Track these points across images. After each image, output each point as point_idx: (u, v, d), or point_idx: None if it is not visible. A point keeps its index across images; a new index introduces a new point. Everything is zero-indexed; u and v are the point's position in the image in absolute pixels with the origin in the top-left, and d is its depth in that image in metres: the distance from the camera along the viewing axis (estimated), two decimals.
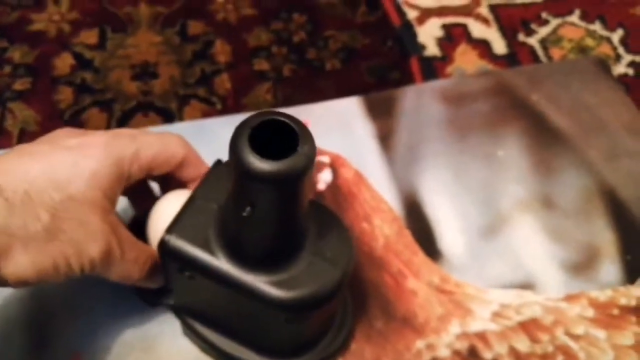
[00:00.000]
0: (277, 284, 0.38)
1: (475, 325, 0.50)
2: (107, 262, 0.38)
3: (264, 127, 0.33)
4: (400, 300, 0.50)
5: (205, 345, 0.46)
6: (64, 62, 0.64)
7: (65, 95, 0.62)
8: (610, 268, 0.53)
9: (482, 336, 0.49)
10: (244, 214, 0.35)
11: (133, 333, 0.47)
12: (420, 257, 0.53)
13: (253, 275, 0.38)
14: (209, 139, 0.58)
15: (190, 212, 0.40)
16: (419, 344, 0.48)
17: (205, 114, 0.61)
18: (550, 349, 0.49)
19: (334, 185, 0.56)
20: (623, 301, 0.51)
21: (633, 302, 0.51)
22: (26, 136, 0.59)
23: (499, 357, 0.48)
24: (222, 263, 0.39)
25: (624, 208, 0.57)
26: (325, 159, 0.57)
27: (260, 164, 0.32)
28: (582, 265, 0.54)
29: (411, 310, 0.50)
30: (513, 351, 0.49)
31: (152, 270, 0.42)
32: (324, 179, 0.56)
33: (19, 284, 0.35)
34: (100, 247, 0.37)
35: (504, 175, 0.58)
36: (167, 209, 0.43)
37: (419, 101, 0.63)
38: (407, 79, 0.66)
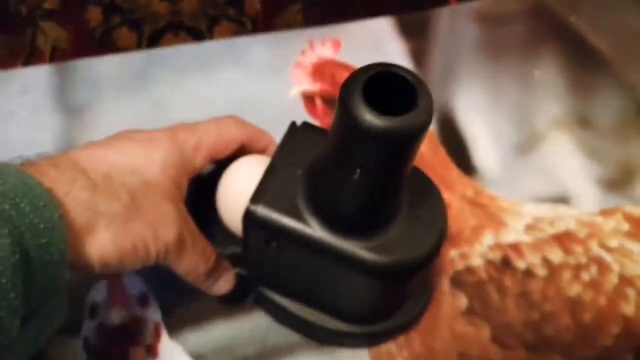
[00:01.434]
0: (375, 249, 0.36)
1: (509, 236, 0.49)
2: (179, 249, 0.38)
3: (375, 80, 0.30)
4: None
5: (281, 312, 0.44)
6: None
7: (94, 14, 0.62)
8: None
9: (515, 247, 0.49)
10: (355, 177, 0.32)
11: None
12: (454, 172, 0.52)
13: (349, 241, 0.36)
14: (240, 58, 0.59)
15: (273, 179, 0.38)
16: (453, 253, 0.48)
17: (236, 34, 0.61)
18: (583, 260, 0.49)
19: None
20: None
21: None
22: (58, 54, 0.60)
23: (532, 267, 0.48)
24: (315, 231, 0.36)
25: None
26: None
27: (378, 122, 0.29)
28: (618, 182, 0.53)
29: None
30: (546, 262, 0.48)
31: (216, 269, 0.42)
32: None
33: (101, 264, 0.35)
34: (174, 232, 0.37)
35: (540, 94, 0.57)
36: (239, 177, 0.41)
37: (454, 22, 0.62)
38: (441, 2, 0.65)
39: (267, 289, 0.44)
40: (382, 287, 0.39)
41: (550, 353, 0.46)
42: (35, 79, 0.55)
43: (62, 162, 0.36)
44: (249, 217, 0.37)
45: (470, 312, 0.47)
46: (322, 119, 0.55)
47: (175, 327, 0.44)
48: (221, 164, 0.43)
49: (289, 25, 0.62)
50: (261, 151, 0.44)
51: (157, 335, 0.44)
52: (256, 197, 0.37)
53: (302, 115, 0.55)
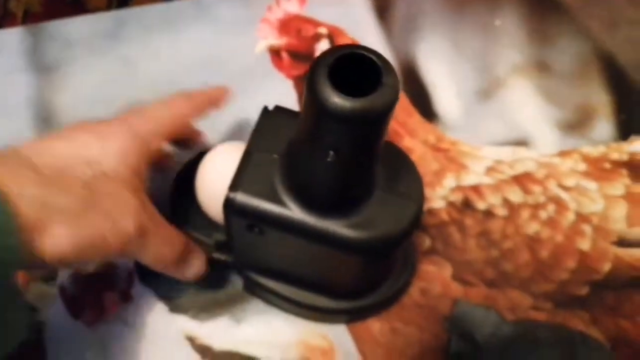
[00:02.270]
0: (355, 227, 0.36)
1: (470, 179, 0.51)
2: (142, 239, 0.37)
3: (342, 62, 0.31)
4: None
5: (272, 297, 0.45)
6: None
7: None
8: (604, 126, 0.54)
9: (476, 189, 0.51)
10: (329, 159, 0.33)
11: None
12: (415, 118, 0.54)
13: (329, 221, 0.37)
14: (208, 16, 0.60)
15: (250, 165, 0.38)
16: None
17: None
18: (542, 199, 0.50)
19: None
20: (615, 156, 0.53)
21: (625, 157, 0.53)
22: (30, 17, 0.60)
23: (492, 208, 0.50)
24: (295, 213, 0.37)
25: (621, 72, 0.57)
26: (323, 30, 0.58)
27: (345, 103, 0.29)
28: (576, 124, 0.55)
29: None
30: (506, 202, 0.50)
31: (185, 254, 0.41)
32: (321, 49, 0.57)
33: (56, 261, 0.34)
34: (134, 221, 0.37)
35: (501, 42, 0.58)
36: (216, 166, 0.42)
37: None
38: None
39: (255, 274, 0.44)
40: (365, 263, 0.40)
41: (509, 288, 0.48)
42: (7, 42, 0.57)
43: (11, 159, 0.35)
44: (228, 204, 0.37)
45: (432, 251, 0.49)
46: (288, 72, 0.56)
47: (147, 274, 0.46)
48: (200, 153, 0.44)
49: None
50: (217, 107, 0.45)
51: (130, 281, 0.46)
52: (234, 185, 0.37)
53: (269, 69, 0.56)
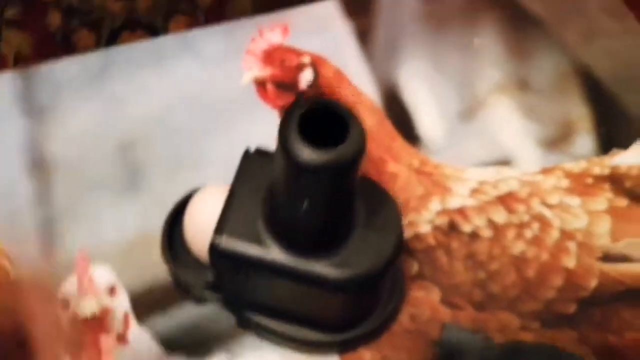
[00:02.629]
0: (337, 266, 0.38)
1: (455, 201, 0.52)
2: None
3: (311, 114, 0.33)
4: (382, 183, 0.53)
5: (265, 332, 0.46)
6: None
7: (54, 18, 0.64)
8: (585, 140, 0.55)
9: (461, 211, 0.52)
10: (304, 207, 0.34)
11: (135, 229, 0.51)
12: (399, 142, 0.55)
13: (311, 262, 0.38)
14: (194, 50, 0.61)
15: (233, 208, 0.39)
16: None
17: (190, 26, 0.63)
18: (526, 218, 0.51)
19: (315, 85, 0.58)
20: (597, 170, 0.54)
21: (606, 171, 0.54)
22: (22, 60, 0.62)
23: (477, 229, 0.51)
24: (277, 255, 0.38)
25: (599, 84, 0.58)
26: (306, 59, 0.59)
27: (317, 156, 0.31)
28: (557, 140, 0.56)
29: (393, 192, 0.52)
30: (491, 223, 0.51)
31: None
32: (305, 78, 0.58)
33: None
34: None
35: (480, 61, 0.60)
36: (201, 209, 0.43)
37: None
38: None
39: (246, 310, 0.45)
40: (350, 298, 0.41)
41: (497, 310, 0.49)
42: None
43: None
44: (214, 249, 0.39)
45: (420, 276, 0.50)
46: (273, 102, 0.57)
47: (142, 314, 0.47)
48: (189, 194, 0.46)
49: (240, 13, 0.64)
50: None
51: (126, 323, 0.47)
52: (219, 229, 0.39)
53: (254, 101, 0.57)
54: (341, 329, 0.45)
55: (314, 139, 0.32)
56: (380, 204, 0.41)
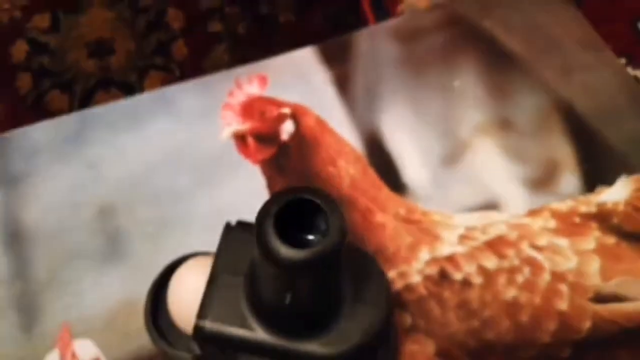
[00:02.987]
0: (326, 344, 0.37)
1: (444, 249, 0.52)
2: None
3: (288, 204, 0.32)
4: (370, 234, 0.52)
5: None
6: (19, 49, 0.65)
7: (24, 81, 0.63)
8: (570, 179, 0.55)
9: (451, 259, 0.51)
10: (286, 301, 0.34)
11: (118, 298, 0.49)
12: (385, 192, 0.54)
13: (299, 342, 0.37)
14: (170, 107, 0.60)
15: (216, 290, 0.38)
16: (392, 273, 0.50)
17: (165, 82, 0.62)
18: (516, 262, 0.51)
19: (297, 135, 0.58)
20: (583, 209, 0.53)
21: (593, 209, 0.53)
22: None
23: (468, 277, 0.50)
24: (264, 337, 0.37)
25: (580, 120, 0.58)
26: (286, 110, 0.58)
27: (294, 255, 0.31)
28: (542, 180, 0.55)
29: (381, 242, 0.52)
30: (481, 269, 0.51)
31: None
32: (286, 129, 0.58)
33: None
34: None
35: (461, 103, 0.59)
36: (185, 285, 0.42)
37: (373, 43, 0.63)
38: (361, 22, 0.67)
39: None
40: None
41: (493, 358, 0.48)
42: None
43: None
44: (198, 332, 0.38)
45: (414, 329, 0.49)
46: (254, 157, 0.57)
47: None
48: (170, 266, 0.44)
49: (216, 65, 0.64)
50: None
51: None
52: (202, 313, 0.37)
53: (235, 156, 0.57)
54: None
55: (294, 228, 0.31)
56: (367, 273, 0.40)
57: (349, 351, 0.37)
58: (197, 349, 0.42)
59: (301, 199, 0.32)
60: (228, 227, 0.41)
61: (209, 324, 0.37)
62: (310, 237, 0.33)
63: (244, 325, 0.37)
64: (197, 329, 0.37)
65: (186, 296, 0.40)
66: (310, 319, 0.37)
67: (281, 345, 0.37)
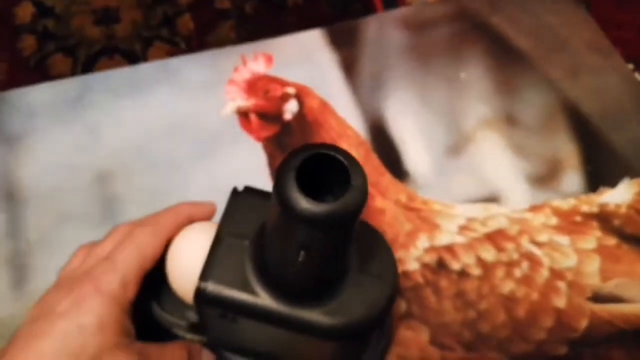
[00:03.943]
0: (330, 313, 0.36)
1: (443, 238, 0.51)
2: None
3: (308, 161, 0.30)
4: (369, 219, 0.51)
5: None
6: (24, 11, 0.64)
7: (28, 42, 0.62)
8: (572, 178, 0.55)
9: (449, 249, 0.51)
10: (300, 259, 0.32)
11: None
12: (387, 178, 0.54)
13: (303, 309, 0.36)
14: (174, 79, 0.59)
15: (220, 252, 0.37)
16: None
17: (170, 54, 0.61)
18: (515, 256, 0.50)
19: (300, 115, 0.57)
20: (585, 208, 0.53)
21: (595, 209, 0.53)
22: None
23: (466, 267, 0.50)
24: (267, 302, 0.36)
25: (586, 121, 0.58)
26: (290, 90, 0.58)
27: (316, 208, 0.29)
28: (545, 177, 0.55)
29: (380, 228, 0.51)
30: (480, 261, 0.50)
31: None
32: (290, 109, 0.57)
33: None
34: None
35: (467, 96, 0.59)
36: (185, 250, 0.40)
37: (381, 30, 0.63)
38: (368, 10, 0.66)
39: (230, 353, 0.43)
40: (341, 345, 0.39)
41: (487, 350, 0.47)
42: None
43: None
44: (200, 295, 0.36)
45: (409, 316, 0.48)
46: (257, 134, 0.56)
47: None
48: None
49: (222, 42, 0.63)
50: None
51: None
52: (205, 275, 0.36)
53: (237, 132, 0.56)
54: None
55: (313, 188, 0.30)
56: (375, 248, 0.38)
57: (351, 323, 0.36)
58: (192, 317, 0.41)
59: (322, 156, 0.30)
60: (235, 192, 0.40)
61: (211, 286, 0.36)
62: (329, 198, 0.31)
63: (247, 289, 0.36)
64: (199, 290, 0.36)
65: (186, 262, 0.39)
66: (317, 286, 0.36)
67: (283, 312, 0.36)
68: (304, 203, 0.29)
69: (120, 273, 0.38)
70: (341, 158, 0.30)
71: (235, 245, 0.37)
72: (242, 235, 0.37)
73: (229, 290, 0.36)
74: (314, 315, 0.36)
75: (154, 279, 0.43)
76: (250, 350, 0.42)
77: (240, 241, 0.37)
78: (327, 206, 0.29)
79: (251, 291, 0.36)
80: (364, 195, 0.30)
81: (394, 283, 0.38)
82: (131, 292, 0.39)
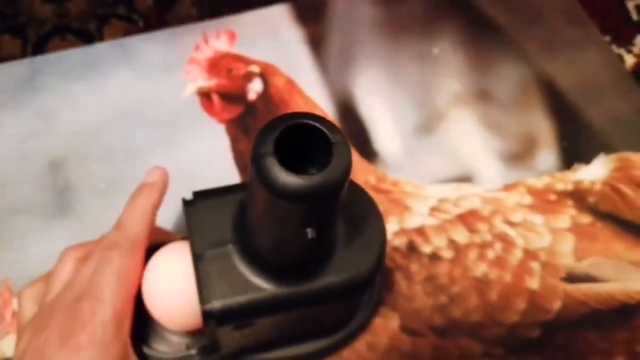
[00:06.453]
0: (332, 274, 0.35)
1: (413, 221, 0.49)
2: None
3: (282, 139, 0.29)
4: None
5: None
6: None
7: None
8: (547, 155, 0.53)
9: (420, 231, 0.49)
10: (310, 236, 0.31)
11: None
12: (355, 158, 0.51)
13: (309, 282, 0.35)
14: (131, 58, 0.56)
15: (207, 268, 0.35)
16: None
17: (127, 33, 0.59)
18: (488, 237, 0.49)
19: (265, 95, 0.55)
20: (560, 186, 0.51)
21: (569, 187, 0.51)
22: None
23: (438, 250, 0.48)
24: (277, 291, 0.35)
25: (562, 96, 0.56)
26: (255, 68, 0.55)
27: (312, 181, 0.28)
28: (520, 155, 0.53)
29: None
30: (452, 243, 0.48)
31: None
32: (254, 88, 0.55)
33: None
34: None
35: (440, 72, 0.57)
36: (165, 277, 0.37)
37: (350, 4, 0.60)
38: None
39: (246, 356, 0.42)
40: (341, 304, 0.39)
41: (459, 336, 0.46)
42: None
43: None
44: (210, 317, 0.35)
45: (378, 302, 0.46)
46: (219, 116, 0.53)
47: None
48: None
49: (182, 20, 0.60)
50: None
51: None
52: (205, 297, 0.34)
53: (198, 114, 0.53)
54: (325, 335, 0.42)
55: (294, 163, 0.28)
56: (363, 208, 0.38)
57: (352, 278, 0.35)
58: (192, 343, 0.39)
59: (300, 126, 0.28)
60: (187, 203, 0.37)
61: (217, 304, 0.34)
62: (312, 170, 0.30)
63: (251, 289, 0.34)
64: (207, 313, 0.34)
65: (165, 291, 0.36)
66: (320, 254, 0.35)
67: (295, 292, 0.35)
68: (300, 182, 0.27)
69: (112, 311, 0.34)
70: (318, 125, 0.28)
71: (218, 254, 0.35)
72: (220, 242, 0.35)
73: (236, 299, 0.34)
74: (324, 281, 0.35)
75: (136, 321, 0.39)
76: (265, 344, 0.41)
77: (221, 248, 0.35)
78: (323, 175, 0.27)
79: (256, 289, 0.34)
80: (348, 150, 0.29)
81: (383, 243, 0.37)
82: (127, 327, 0.35)
